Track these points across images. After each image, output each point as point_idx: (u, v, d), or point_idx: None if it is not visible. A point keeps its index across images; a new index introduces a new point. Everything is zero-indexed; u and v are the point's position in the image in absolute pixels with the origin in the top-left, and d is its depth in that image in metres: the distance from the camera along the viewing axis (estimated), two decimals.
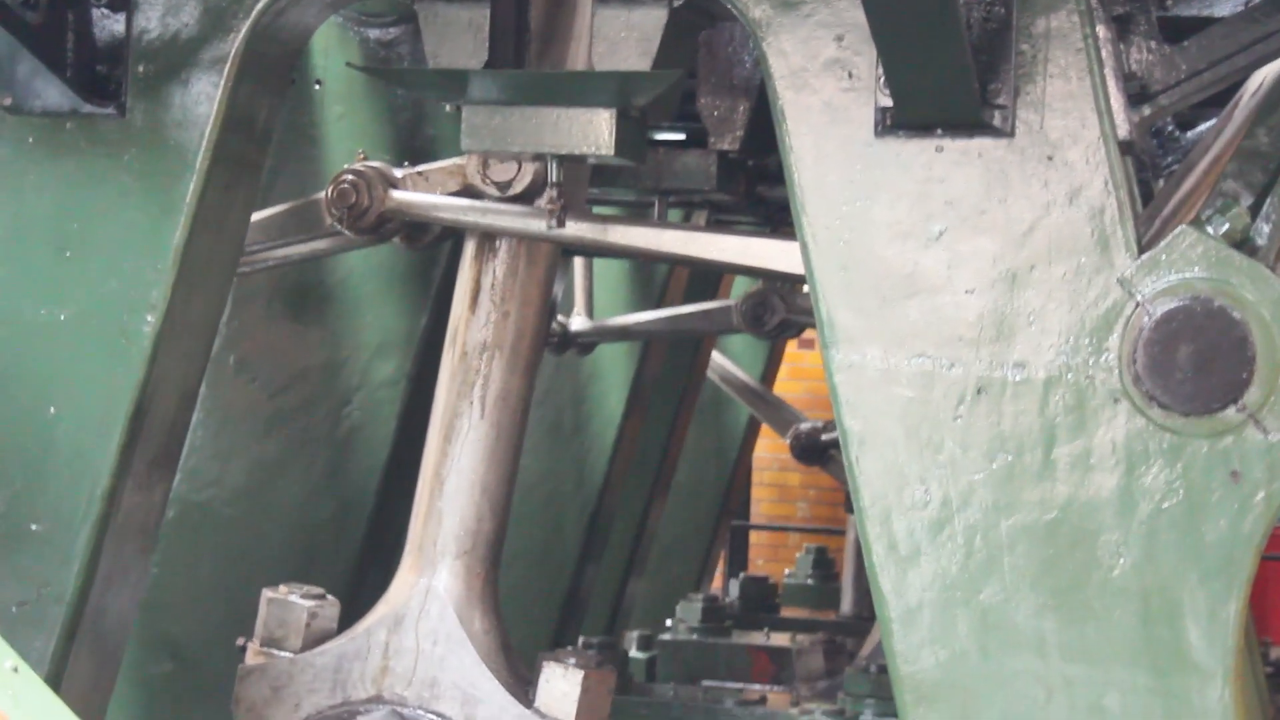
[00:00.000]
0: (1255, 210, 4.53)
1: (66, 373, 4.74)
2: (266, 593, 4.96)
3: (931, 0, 3.82)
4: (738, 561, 14.58)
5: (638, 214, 7.03)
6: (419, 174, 5.26)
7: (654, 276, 8.70)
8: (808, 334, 9.05)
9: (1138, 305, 4.04)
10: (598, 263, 8.09)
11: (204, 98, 4.69)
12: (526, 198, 4.99)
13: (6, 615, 4.68)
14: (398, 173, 5.29)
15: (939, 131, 4.16)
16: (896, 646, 4.17)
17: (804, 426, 9.27)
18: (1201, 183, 4.62)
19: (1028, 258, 4.11)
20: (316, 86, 6.39)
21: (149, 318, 4.68)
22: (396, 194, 5.24)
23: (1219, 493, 3.99)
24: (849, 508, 8.97)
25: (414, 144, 6.40)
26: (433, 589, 4.88)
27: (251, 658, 4.92)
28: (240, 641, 4.97)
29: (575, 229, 4.92)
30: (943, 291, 4.16)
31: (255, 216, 5.26)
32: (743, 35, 5.85)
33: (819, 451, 9.27)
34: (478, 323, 5.01)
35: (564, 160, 4.69)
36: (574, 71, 4.83)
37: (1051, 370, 4.10)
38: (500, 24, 4.71)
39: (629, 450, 8.73)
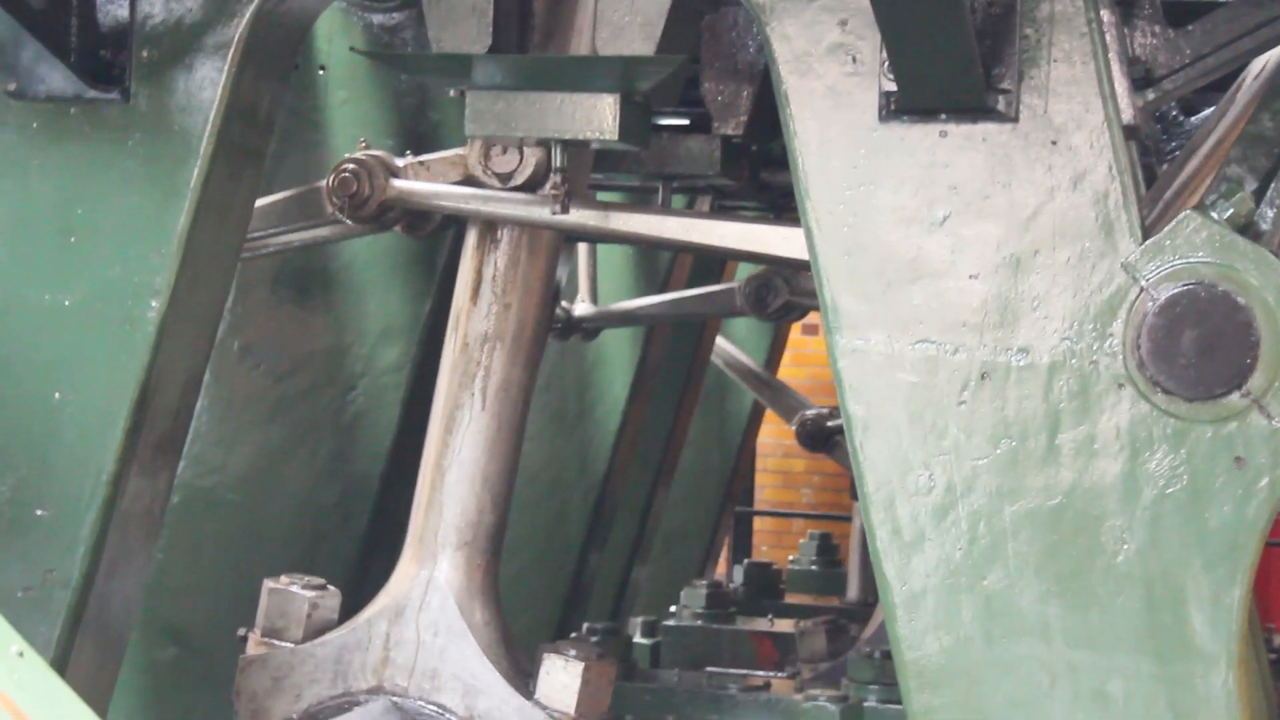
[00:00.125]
0: (1260, 195, 4.53)
1: (71, 358, 4.74)
2: (268, 583, 4.96)
3: None
4: (742, 548, 14.57)
5: (641, 199, 7.01)
6: (420, 164, 5.25)
7: (658, 262, 8.67)
8: (811, 320, 9.03)
9: (1142, 290, 4.03)
10: (602, 248, 8.07)
11: (208, 83, 4.69)
12: (528, 189, 4.97)
13: (12, 600, 4.68)
14: (399, 162, 5.28)
15: (943, 116, 4.16)
16: (900, 632, 4.17)
17: (810, 413, 9.23)
18: (1205, 167, 4.62)
19: (1032, 243, 4.11)
20: (320, 72, 6.37)
21: (153, 303, 4.68)
22: (397, 183, 5.23)
23: (1223, 478, 3.99)
24: (854, 494, 8.95)
25: (418, 129, 6.38)
26: (434, 580, 4.89)
27: (253, 648, 4.93)
28: (241, 632, 4.98)
29: (578, 215, 4.90)
30: (947, 276, 4.16)
31: (259, 203, 5.25)
32: (746, 20, 5.84)
33: (825, 438, 9.23)
34: (479, 314, 5.00)
35: (568, 145, 4.68)
36: (578, 56, 4.82)
37: (1055, 355, 4.09)
38: (504, 8, 4.70)
39: (633, 436, 8.71)
